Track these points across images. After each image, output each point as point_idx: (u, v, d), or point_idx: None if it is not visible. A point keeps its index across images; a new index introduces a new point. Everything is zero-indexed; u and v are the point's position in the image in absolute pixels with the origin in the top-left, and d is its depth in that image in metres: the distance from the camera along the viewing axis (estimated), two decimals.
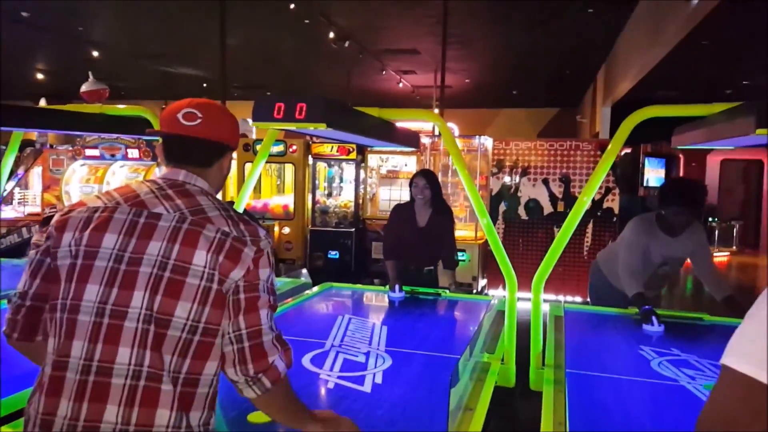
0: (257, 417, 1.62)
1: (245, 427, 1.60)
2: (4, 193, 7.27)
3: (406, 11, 7.09)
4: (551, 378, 2.03)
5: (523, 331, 2.25)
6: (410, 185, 3.57)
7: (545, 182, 6.29)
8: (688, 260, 3.06)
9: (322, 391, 1.88)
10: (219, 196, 1.36)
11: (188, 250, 1.15)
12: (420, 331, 2.62)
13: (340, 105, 1.95)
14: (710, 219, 10.88)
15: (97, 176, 7.73)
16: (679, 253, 3.00)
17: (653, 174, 6.73)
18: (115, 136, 6.42)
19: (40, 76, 12.22)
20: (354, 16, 7.43)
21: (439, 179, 6.40)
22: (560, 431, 1.66)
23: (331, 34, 7.84)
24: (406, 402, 1.79)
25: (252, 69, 10.71)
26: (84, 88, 7.41)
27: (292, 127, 1.91)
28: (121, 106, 3.07)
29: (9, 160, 3.00)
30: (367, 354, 2.21)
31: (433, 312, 3.10)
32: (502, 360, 2.22)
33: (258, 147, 2.88)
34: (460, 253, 5.48)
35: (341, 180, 7.34)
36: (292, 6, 6.78)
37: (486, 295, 5.78)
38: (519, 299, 2.24)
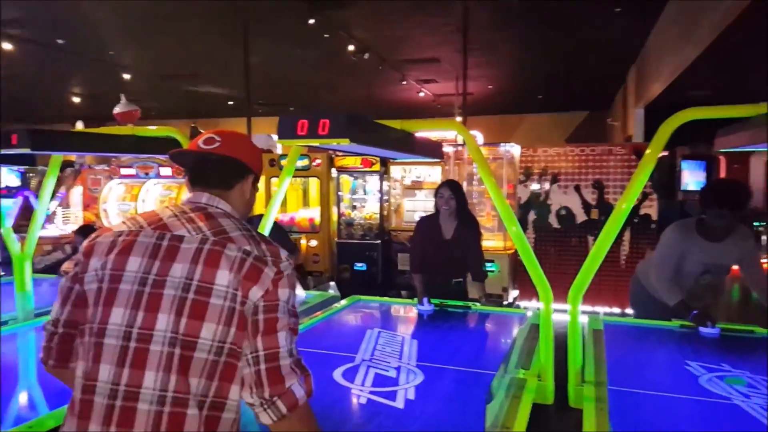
0: None
1: None
2: (48, 212, 7.48)
3: (424, 21, 7.07)
4: (592, 395, 1.94)
5: (560, 346, 2.17)
6: (435, 196, 3.52)
7: (577, 189, 6.14)
8: (735, 268, 2.91)
9: (355, 406, 1.84)
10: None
11: (211, 270, 1.15)
12: (451, 346, 2.56)
13: (362, 119, 1.93)
14: (756, 223, 10.42)
15: (133, 194, 7.91)
16: (722, 259, 2.85)
17: (692, 178, 6.52)
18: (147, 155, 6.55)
19: (76, 99, 12.62)
20: (373, 28, 7.45)
21: (465, 188, 6.39)
22: None
23: (351, 47, 7.88)
24: (440, 419, 1.74)
25: (275, 86, 10.86)
26: (117, 109, 7.60)
27: (315, 143, 1.90)
28: (152, 128, 3.11)
29: (50, 182, 3.07)
30: (398, 369, 2.17)
31: (463, 325, 3.03)
32: (539, 376, 2.14)
33: (283, 162, 2.88)
34: (488, 264, 5.39)
35: (365, 192, 7.33)
36: (311, 21, 6.84)
37: (517, 307, 5.66)
38: (554, 311, 2.17)
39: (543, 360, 2.14)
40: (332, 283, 3.63)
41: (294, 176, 7.01)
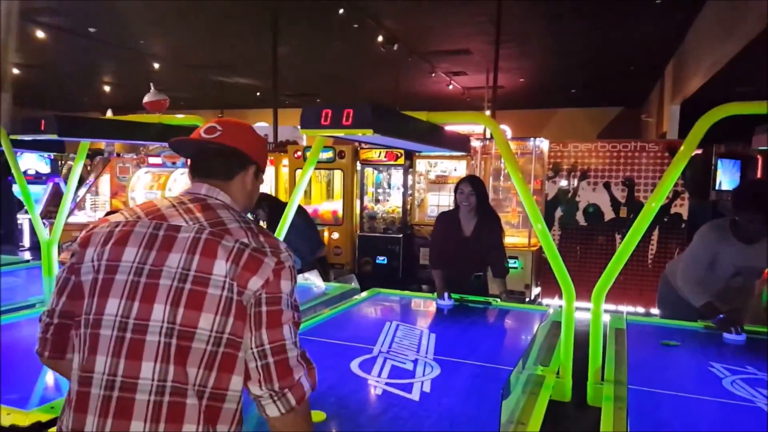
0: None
1: None
2: (77, 199, 7.69)
3: (456, 11, 6.99)
4: (611, 394, 1.90)
5: (581, 344, 2.14)
6: (455, 191, 3.48)
7: (607, 186, 6.02)
8: None
9: (370, 397, 1.85)
10: None
11: (207, 260, 1.14)
12: (469, 340, 2.54)
13: (387, 110, 1.92)
14: None
15: (160, 183, 8.07)
16: (756, 262, 2.76)
17: (727, 177, 6.32)
18: None
19: (106, 88, 12.89)
20: (403, 18, 7.41)
21: (491, 183, 6.35)
22: None
23: (380, 38, 7.85)
24: (455, 413, 1.73)
25: (303, 77, 10.91)
26: (146, 99, 7.75)
27: (339, 133, 1.90)
28: (179, 116, 3.16)
29: (77, 168, 3.15)
30: (415, 361, 2.16)
31: (483, 321, 3.01)
32: (558, 373, 2.11)
33: (308, 154, 2.90)
34: (511, 260, 5.33)
35: (389, 186, 7.32)
36: (341, 11, 6.83)
37: (540, 304, 5.60)
38: (577, 309, 2.13)
39: (563, 357, 2.11)
40: (352, 275, 3.63)
41: (318, 168, 7.12)
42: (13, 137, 2.88)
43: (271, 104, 8.11)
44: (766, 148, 5.57)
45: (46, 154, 7.82)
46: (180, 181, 7.89)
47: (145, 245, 1.16)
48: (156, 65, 10.05)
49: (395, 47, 8.19)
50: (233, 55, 9.68)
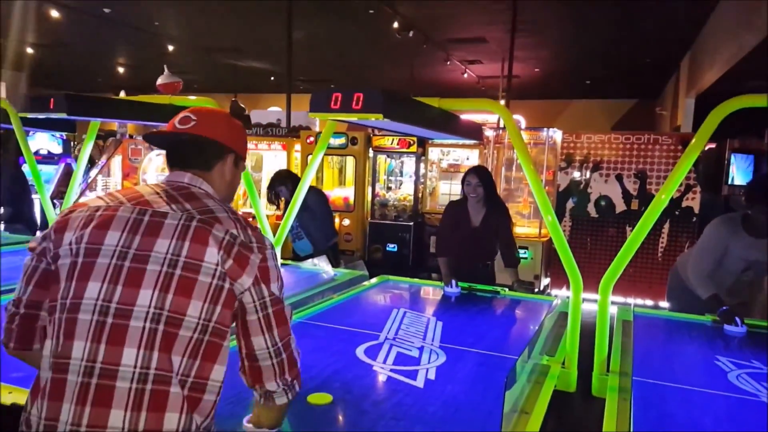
0: (318, 398, 1.64)
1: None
2: (89, 180, 7.75)
3: None
4: (616, 385, 1.91)
5: (587, 335, 2.13)
6: (462, 182, 3.47)
7: (619, 178, 5.97)
8: None
9: (375, 383, 1.86)
10: None
11: (199, 247, 1.13)
12: (476, 329, 2.55)
13: (398, 95, 1.90)
14: None
15: None
16: (765, 256, 2.75)
17: (740, 172, 6.24)
18: None
19: (121, 69, 12.93)
20: (419, 5, 7.34)
21: (503, 173, 6.31)
22: None
23: (396, 24, 7.79)
24: (459, 401, 1.74)
25: (317, 62, 10.88)
26: (159, 81, 7.75)
27: (348, 117, 1.88)
28: (191, 98, 3.16)
29: (87, 148, 3.17)
30: (421, 349, 2.17)
31: (490, 310, 3.02)
32: (563, 364, 2.11)
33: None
34: (522, 251, 5.32)
35: (401, 173, 7.30)
36: None
37: (548, 294, 5.59)
38: (584, 301, 2.13)
39: (569, 348, 2.11)
40: (361, 262, 3.64)
41: (331, 154, 7.12)
42: (22, 115, 2.89)
43: (284, 89, 8.09)
44: None
45: (58, 134, 7.86)
46: (155, 161, 7.87)
47: (129, 230, 1.13)
48: (170, 47, 10.05)
49: (410, 34, 8.11)
50: (248, 39, 9.65)
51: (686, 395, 1.86)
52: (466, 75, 11.31)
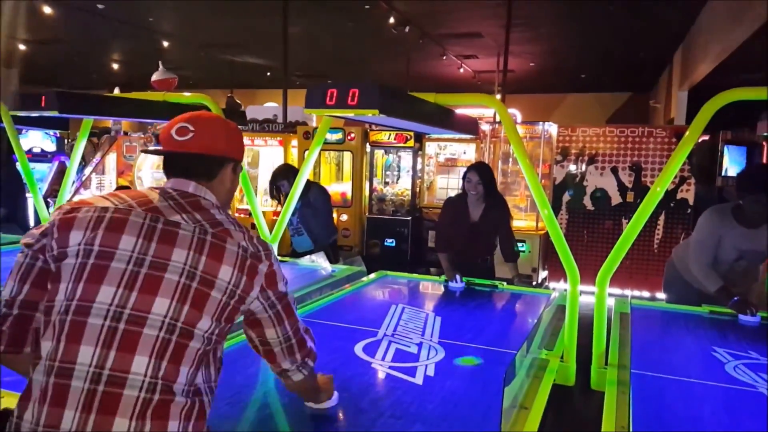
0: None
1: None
2: (83, 178, 7.71)
3: None
4: (614, 378, 1.91)
5: (585, 328, 2.14)
6: (463, 179, 3.47)
7: (614, 171, 5.99)
8: None
9: (373, 380, 1.86)
10: None
11: (214, 263, 1.14)
12: (475, 324, 2.55)
13: (394, 91, 1.90)
14: None
15: None
16: (758, 246, 2.77)
17: (733, 163, 6.27)
18: None
19: (115, 66, 12.84)
20: (414, 0, 7.31)
21: (500, 167, 6.31)
22: None
23: (392, 20, 7.76)
24: (458, 397, 1.74)
25: (313, 57, 10.83)
26: (154, 77, 7.71)
27: (344, 113, 1.88)
28: (186, 94, 3.14)
29: (80, 146, 3.14)
30: (420, 345, 2.17)
31: (489, 304, 3.02)
32: (562, 357, 2.12)
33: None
34: (519, 244, 5.33)
35: (398, 168, 7.30)
36: None
37: (546, 288, 5.60)
38: (582, 293, 2.14)
39: (567, 342, 2.12)
40: (359, 257, 3.64)
41: (328, 150, 7.10)
42: (14, 113, 2.87)
43: (281, 84, 8.06)
44: None
45: (51, 132, 7.82)
46: (150, 158, 7.77)
47: (144, 236, 1.12)
48: (165, 43, 9.99)
49: (406, 29, 8.09)
50: (244, 35, 9.59)
51: (684, 387, 1.87)
52: (462, 70, 11.29)
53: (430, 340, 2.24)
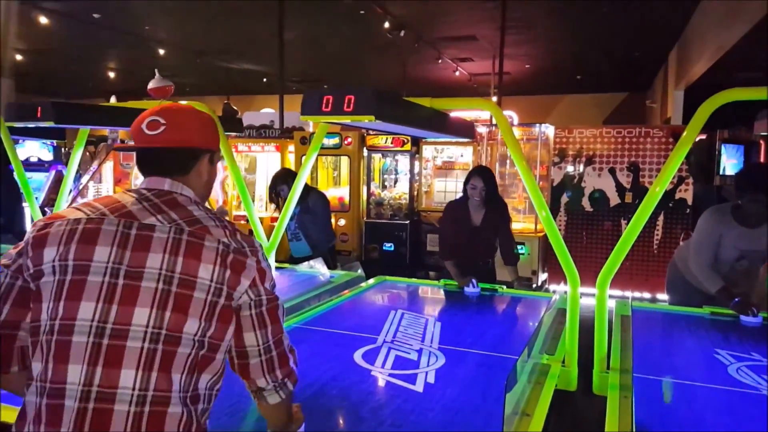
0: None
1: None
2: (80, 187, 7.68)
3: None
4: (617, 383, 1.90)
5: (587, 331, 2.13)
6: (465, 184, 3.46)
7: (612, 172, 5.98)
8: None
9: (373, 388, 1.84)
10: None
11: (192, 262, 1.10)
12: (475, 329, 2.54)
13: (390, 96, 1.88)
14: None
15: None
16: (758, 246, 2.76)
17: (730, 162, 6.27)
18: None
19: (112, 74, 12.84)
20: (409, 5, 7.33)
21: (497, 169, 6.31)
22: None
23: (387, 24, 7.77)
24: (459, 404, 1.72)
25: (309, 63, 10.84)
26: (151, 85, 7.67)
27: (340, 119, 1.86)
28: (183, 102, 3.12)
29: (76, 156, 3.13)
30: (420, 351, 2.16)
31: (489, 308, 3.01)
32: (563, 362, 2.11)
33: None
34: (519, 247, 5.33)
35: (396, 172, 7.28)
36: None
37: (546, 290, 5.59)
38: (582, 296, 2.12)
39: (568, 346, 2.10)
40: (357, 263, 3.63)
41: (325, 154, 7.09)
42: (10, 124, 2.86)
43: (277, 90, 8.06)
44: (766, 133, 5.53)
45: (48, 141, 7.81)
46: None
47: (118, 244, 1.08)
48: (161, 51, 9.99)
49: (402, 34, 8.09)
50: (239, 41, 9.60)
51: (687, 390, 1.85)
52: (457, 73, 11.30)
53: (430, 346, 2.22)
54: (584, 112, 12.97)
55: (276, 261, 2.90)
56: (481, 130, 6.40)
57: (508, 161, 6.39)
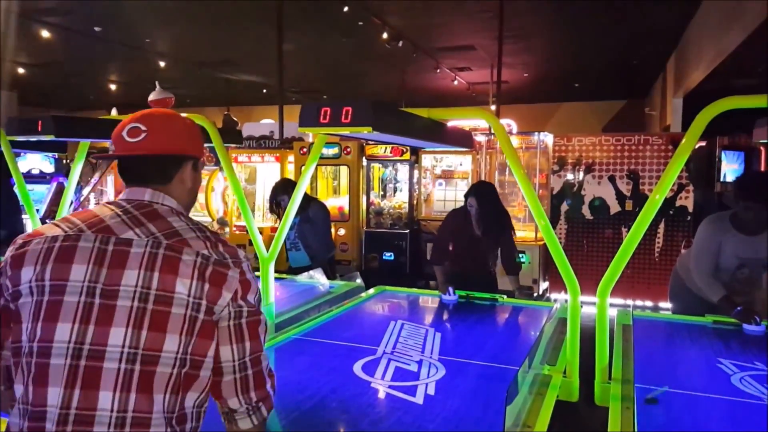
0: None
1: None
2: (81, 199, 7.69)
3: (460, 7, 6.96)
4: (618, 393, 1.88)
5: (588, 341, 2.11)
6: (465, 198, 3.47)
7: (611, 179, 5.98)
8: None
9: (373, 400, 1.82)
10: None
11: (169, 277, 1.06)
12: (475, 339, 2.52)
13: (387, 107, 1.89)
14: None
15: None
16: (759, 253, 2.75)
17: (731, 168, 6.26)
18: None
19: (113, 87, 12.91)
20: (407, 15, 7.37)
21: (497, 178, 6.31)
22: None
23: (385, 35, 7.82)
24: (459, 416, 1.71)
25: (308, 73, 10.89)
26: (151, 97, 7.72)
27: (338, 131, 1.86)
28: (183, 115, 3.13)
29: (77, 169, 3.13)
30: (420, 362, 2.14)
31: (489, 318, 2.99)
32: (565, 372, 2.09)
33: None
34: (520, 255, 5.32)
35: (395, 181, 7.29)
36: (345, 9, 6.80)
37: (548, 299, 5.57)
38: (583, 305, 2.11)
39: (569, 356, 2.09)
40: (357, 273, 3.62)
41: (324, 164, 7.10)
42: (11, 139, 2.87)
43: (277, 101, 8.09)
44: (766, 141, 5.55)
45: (50, 154, 7.82)
46: None
47: (94, 262, 1.06)
48: (162, 63, 10.04)
49: (400, 44, 8.14)
50: (239, 53, 9.66)
51: (690, 401, 1.83)
52: (456, 82, 11.35)
53: (430, 357, 2.20)
54: (583, 119, 13.00)
55: (276, 272, 2.89)
56: (480, 138, 6.41)
57: (507, 170, 6.39)
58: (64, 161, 8.40)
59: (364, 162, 6.98)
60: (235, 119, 10.26)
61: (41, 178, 7.81)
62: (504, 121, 8.36)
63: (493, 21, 6.99)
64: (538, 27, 7.88)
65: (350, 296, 3.24)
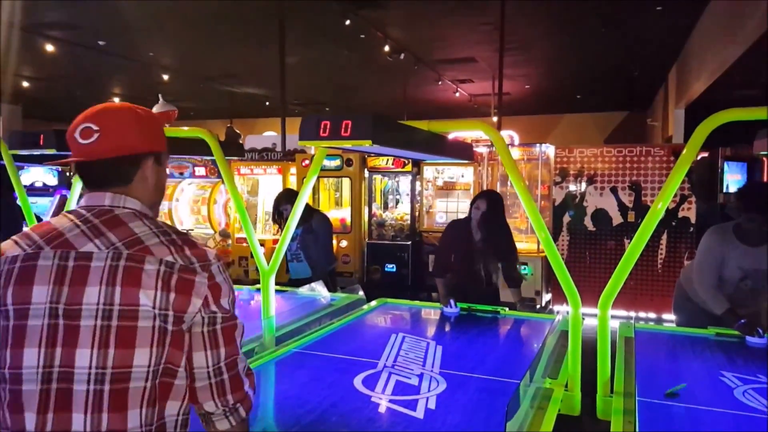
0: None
1: None
2: None
3: (461, 20, 7.01)
4: (620, 407, 1.86)
5: (590, 353, 2.10)
6: (471, 204, 3.46)
7: (614, 191, 5.97)
8: None
9: (373, 414, 1.81)
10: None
11: (131, 290, 1.01)
12: (477, 352, 2.51)
13: (386, 121, 1.89)
14: None
15: (167, 194, 8.08)
16: (762, 265, 2.73)
17: (734, 180, 6.26)
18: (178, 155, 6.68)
19: (116, 99, 13.01)
20: (409, 28, 7.44)
21: (498, 189, 6.31)
22: None
23: (387, 48, 7.88)
24: (460, 431, 1.69)
25: (311, 86, 10.96)
26: (155, 109, 7.77)
27: (338, 144, 1.87)
28: (185, 128, 3.14)
29: (79, 181, 3.14)
30: (421, 376, 2.13)
31: (491, 331, 2.97)
32: (566, 386, 2.07)
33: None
34: (522, 267, 5.29)
35: (397, 193, 7.30)
36: (347, 22, 6.86)
37: (550, 311, 5.54)
38: (585, 317, 2.10)
39: (571, 370, 2.07)
40: (358, 285, 3.61)
41: (326, 176, 7.12)
42: (13, 152, 2.89)
43: (279, 113, 8.15)
44: (766, 153, 5.56)
45: (53, 167, 7.87)
46: (187, 191, 7.90)
47: (55, 281, 1.02)
48: (165, 76, 10.13)
49: (401, 57, 8.20)
50: (241, 66, 9.74)
51: (692, 414, 1.81)
52: (457, 94, 11.40)
53: (431, 371, 2.19)
54: (585, 131, 13.04)
55: (276, 284, 2.88)
56: (482, 150, 6.42)
57: (509, 181, 6.39)
58: (68, 174, 8.44)
59: (366, 174, 7.00)
60: (237, 131, 10.31)
61: (44, 190, 7.84)
62: (506, 133, 8.38)
63: (494, 33, 7.04)
64: (539, 39, 7.93)
65: (351, 309, 3.22)
